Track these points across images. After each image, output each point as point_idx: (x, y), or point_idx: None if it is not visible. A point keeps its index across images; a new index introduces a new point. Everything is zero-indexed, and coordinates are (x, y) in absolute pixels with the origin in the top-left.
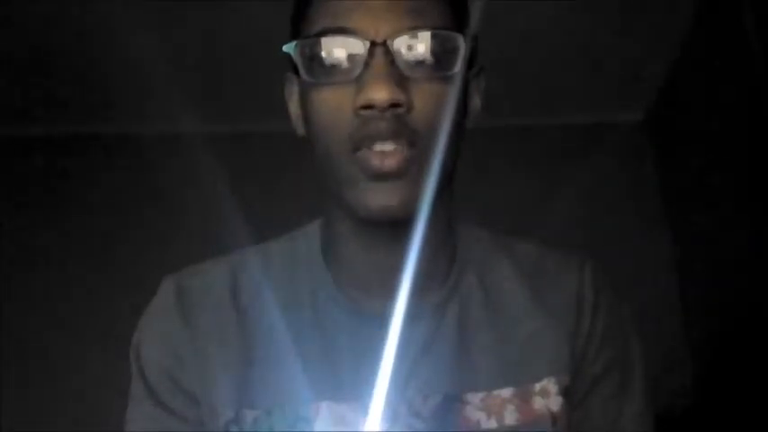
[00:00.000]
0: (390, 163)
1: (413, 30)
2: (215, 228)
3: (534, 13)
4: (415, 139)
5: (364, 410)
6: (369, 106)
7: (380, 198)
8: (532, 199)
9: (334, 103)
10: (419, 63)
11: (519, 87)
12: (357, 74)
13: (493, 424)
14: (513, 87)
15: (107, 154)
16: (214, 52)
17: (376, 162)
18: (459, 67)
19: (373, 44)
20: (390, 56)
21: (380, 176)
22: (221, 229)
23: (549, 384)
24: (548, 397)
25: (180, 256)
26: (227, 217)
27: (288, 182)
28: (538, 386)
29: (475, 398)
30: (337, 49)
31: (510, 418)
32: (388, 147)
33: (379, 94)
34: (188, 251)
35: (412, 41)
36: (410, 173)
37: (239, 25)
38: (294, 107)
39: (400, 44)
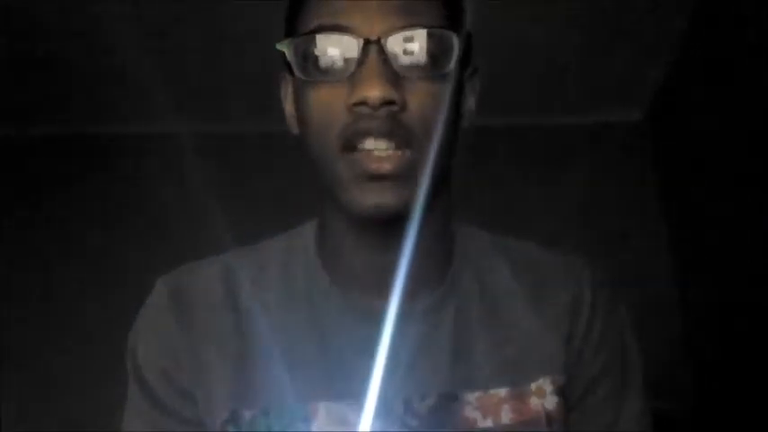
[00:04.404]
0: (387, 166)
1: (407, 28)
2: (214, 227)
3: (534, 14)
4: (409, 138)
5: (361, 410)
6: (362, 103)
7: (374, 197)
8: (532, 199)
9: (327, 101)
10: (413, 62)
11: (519, 87)
12: (351, 72)
13: (489, 423)
14: (514, 87)
15: (107, 154)
16: (214, 52)
17: (372, 165)
18: (453, 66)
19: (367, 42)
20: (384, 54)
21: (375, 178)
22: (219, 229)
23: (545, 384)
24: (543, 396)
25: (179, 255)
26: (224, 216)
27: (285, 181)
28: (534, 386)
29: (471, 397)
30: (331, 47)
31: (506, 417)
32: (380, 145)
33: (372, 91)
34: (186, 251)
35: (406, 40)
36: (405, 174)
37: (239, 25)
38: (289, 106)
39: (394, 43)
